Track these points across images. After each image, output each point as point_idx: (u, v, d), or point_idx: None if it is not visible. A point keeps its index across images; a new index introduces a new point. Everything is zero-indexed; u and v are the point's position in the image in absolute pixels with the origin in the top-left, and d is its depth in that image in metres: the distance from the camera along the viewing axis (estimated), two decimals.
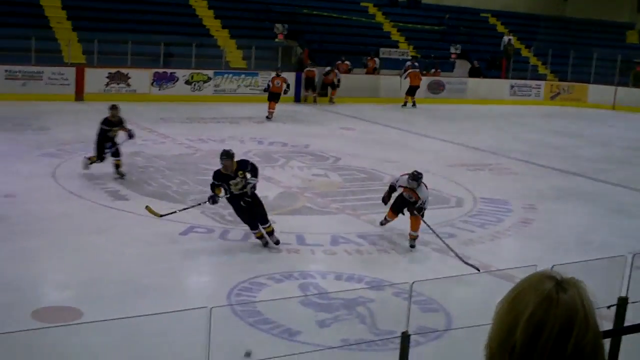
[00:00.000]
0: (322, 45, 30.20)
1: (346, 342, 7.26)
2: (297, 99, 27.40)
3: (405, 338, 5.80)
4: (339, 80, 27.46)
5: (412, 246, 10.43)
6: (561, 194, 14.63)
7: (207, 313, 5.29)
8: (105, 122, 13.46)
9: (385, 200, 10.81)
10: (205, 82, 25.95)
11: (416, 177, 10.26)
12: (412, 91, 28.18)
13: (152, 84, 25.06)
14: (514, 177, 16.05)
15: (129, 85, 24.55)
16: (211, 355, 5.20)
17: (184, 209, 9.88)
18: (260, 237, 10.07)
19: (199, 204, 10.16)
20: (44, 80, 23.24)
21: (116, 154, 13.51)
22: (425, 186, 10.43)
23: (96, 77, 24.01)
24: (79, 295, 8.20)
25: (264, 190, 13.10)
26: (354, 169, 15.79)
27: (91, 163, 13.47)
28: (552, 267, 1.74)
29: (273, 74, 23.24)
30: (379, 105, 27.86)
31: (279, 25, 28.88)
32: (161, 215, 9.52)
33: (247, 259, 9.66)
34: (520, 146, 20.14)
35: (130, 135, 13.58)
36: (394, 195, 10.74)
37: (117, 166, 13.50)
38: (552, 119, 28.14)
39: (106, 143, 13.38)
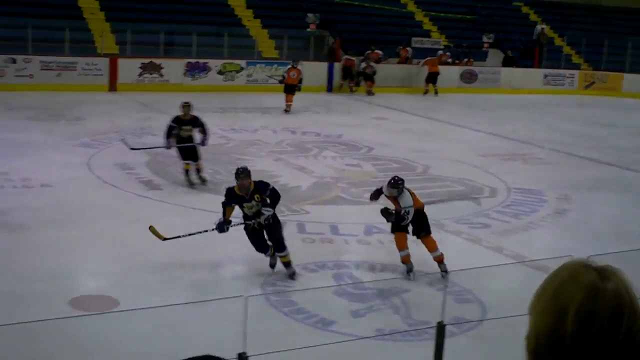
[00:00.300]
0: (354, 34, 30.12)
1: (380, 332, 7.27)
2: (330, 89, 27.37)
3: (440, 328, 5.80)
4: (374, 72, 27.16)
5: (445, 271, 8.77)
6: (596, 184, 14.49)
7: (243, 302, 5.33)
8: (176, 120, 12.55)
9: (371, 197, 9.40)
10: (237, 72, 26.02)
11: (395, 183, 8.79)
12: (432, 78, 28.08)
13: (184, 74, 25.17)
14: (548, 167, 15.92)
15: (161, 75, 24.70)
16: (247, 344, 5.23)
17: (190, 234, 9.32)
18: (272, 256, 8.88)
19: (205, 231, 9.16)
20: (78, 70, 23.48)
21: (195, 156, 12.55)
22: (410, 192, 8.91)
23: (129, 68, 24.19)
24: (115, 284, 8.29)
25: (297, 180, 13.18)
26: (387, 158, 15.76)
27: (187, 170, 12.62)
28: (588, 257, 1.72)
29: (289, 65, 22.73)
30: (412, 95, 27.75)
31: (311, 15, 28.82)
32: (165, 239, 9.17)
33: None
34: (554, 136, 19.97)
35: (202, 142, 12.59)
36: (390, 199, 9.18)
37: (198, 170, 12.69)
38: (586, 109, 27.89)
39: (169, 139, 12.44)
